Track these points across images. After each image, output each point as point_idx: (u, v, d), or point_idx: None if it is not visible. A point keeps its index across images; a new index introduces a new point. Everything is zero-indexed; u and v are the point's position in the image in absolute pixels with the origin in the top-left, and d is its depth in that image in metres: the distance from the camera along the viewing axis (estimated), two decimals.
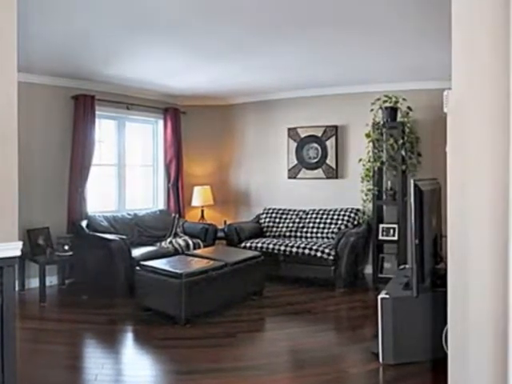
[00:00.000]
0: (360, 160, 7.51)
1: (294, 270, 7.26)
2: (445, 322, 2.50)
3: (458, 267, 2.29)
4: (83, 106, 7.31)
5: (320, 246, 7.10)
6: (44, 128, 7.01)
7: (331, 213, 7.95)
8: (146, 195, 8.94)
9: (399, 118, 7.28)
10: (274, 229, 8.26)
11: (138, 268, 5.83)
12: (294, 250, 7.20)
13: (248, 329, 5.28)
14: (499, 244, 2.15)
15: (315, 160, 8.46)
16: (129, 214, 7.79)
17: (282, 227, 8.21)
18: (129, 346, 4.94)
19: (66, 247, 6.68)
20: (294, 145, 8.64)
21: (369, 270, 7.71)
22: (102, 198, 8.10)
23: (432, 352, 4.13)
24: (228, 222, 8.57)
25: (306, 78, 7.51)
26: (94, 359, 4.43)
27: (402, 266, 5.79)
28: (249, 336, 5.09)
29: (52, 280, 6.97)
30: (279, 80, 7.72)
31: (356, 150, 7.91)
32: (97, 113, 7.54)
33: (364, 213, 7.72)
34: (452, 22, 2.24)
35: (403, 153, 7.16)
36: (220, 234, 8.10)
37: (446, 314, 2.42)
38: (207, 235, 7.92)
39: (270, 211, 8.52)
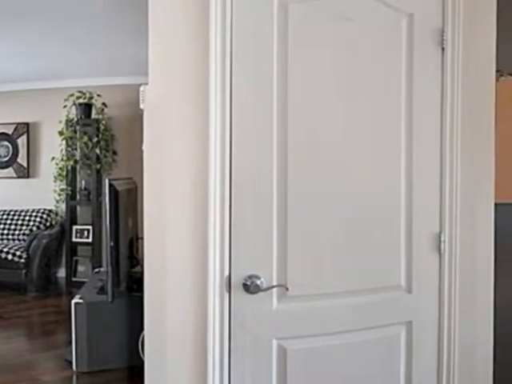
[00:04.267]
0: (53, 158, 7.19)
1: None
2: (142, 328, 2.39)
3: (155, 270, 2.17)
4: None
5: (11, 248, 6.72)
6: None
7: (23, 214, 7.52)
8: None
9: (94, 115, 7.16)
10: None
11: None
12: None
13: None
14: (197, 244, 2.09)
15: (6, 159, 7.92)
16: None
17: None
18: None
19: None
20: None
21: (62, 273, 7.42)
22: None
23: (129, 359, 4.07)
24: None
25: None
26: None
27: (96, 270, 5.67)
28: None
29: None
30: None
31: (49, 148, 7.53)
32: None
33: (57, 214, 7.46)
34: (149, 15, 2.13)
35: (98, 151, 7.08)
36: None
37: (143, 319, 2.31)
38: None
39: None
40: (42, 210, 7.52)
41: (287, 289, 2.02)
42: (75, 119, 7.10)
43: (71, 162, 7.12)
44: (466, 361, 2.40)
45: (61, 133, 7.09)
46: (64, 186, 7.18)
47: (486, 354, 2.48)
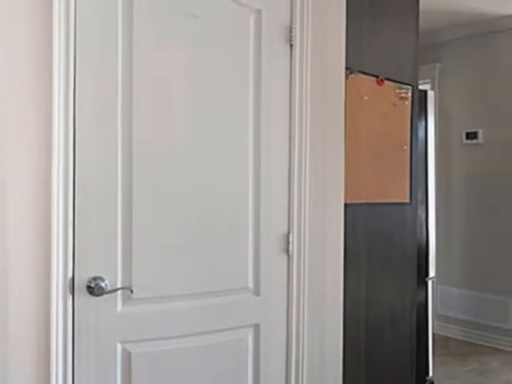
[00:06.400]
0: None
1: None
2: None
3: None
4: None
5: None
6: None
7: None
8: None
9: None
10: None
11: None
12: None
13: None
14: (40, 244, 1.90)
15: None
16: None
17: None
18: None
19: None
20: None
21: None
22: None
23: None
24: None
25: None
26: None
27: None
28: None
29: None
30: None
31: None
32: None
33: None
34: None
35: None
36: None
37: None
38: None
39: None
40: None
41: (132, 291, 1.91)
42: None
43: None
44: (315, 363, 2.40)
45: None
46: None
47: (336, 355, 2.49)
